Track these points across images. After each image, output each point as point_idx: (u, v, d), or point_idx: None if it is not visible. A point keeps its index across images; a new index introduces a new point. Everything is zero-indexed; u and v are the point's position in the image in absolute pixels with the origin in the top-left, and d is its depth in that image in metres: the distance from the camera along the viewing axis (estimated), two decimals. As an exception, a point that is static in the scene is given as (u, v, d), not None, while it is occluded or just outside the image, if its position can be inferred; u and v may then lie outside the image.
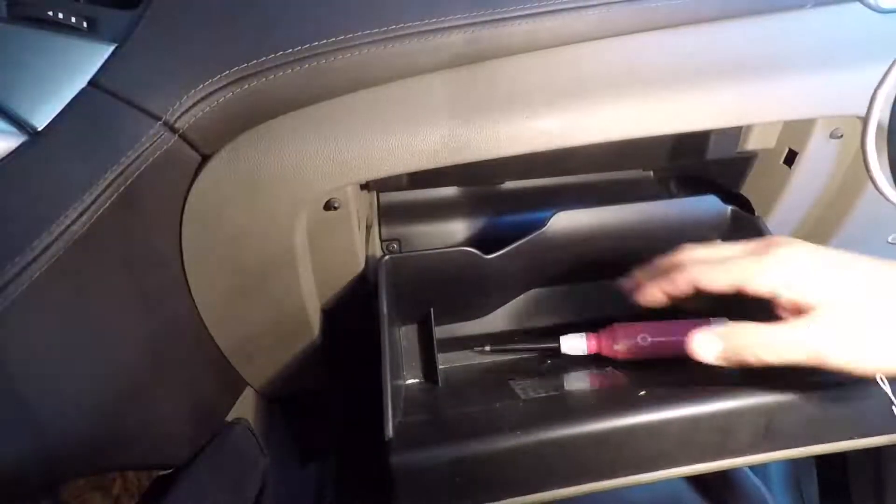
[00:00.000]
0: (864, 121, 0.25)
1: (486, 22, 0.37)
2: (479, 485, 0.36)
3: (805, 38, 0.42)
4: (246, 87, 0.34)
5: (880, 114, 0.21)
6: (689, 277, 0.37)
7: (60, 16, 0.32)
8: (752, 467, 0.71)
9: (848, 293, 0.33)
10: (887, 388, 0.34)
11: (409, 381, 0.50)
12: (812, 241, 0.36)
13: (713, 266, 0.36)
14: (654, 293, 0.39)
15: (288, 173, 0.37)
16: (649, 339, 0.48)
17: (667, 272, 0.38)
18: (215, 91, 0.33)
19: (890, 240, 0.29)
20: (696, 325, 0.49)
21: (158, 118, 0.32)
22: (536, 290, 0.55)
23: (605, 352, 0.49)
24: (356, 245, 0.46)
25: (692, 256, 0.39)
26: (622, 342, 0.48)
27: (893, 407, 0.34)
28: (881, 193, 0.23)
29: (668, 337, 0.48)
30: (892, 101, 0.19)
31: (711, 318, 0.50)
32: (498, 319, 0.54)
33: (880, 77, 0.39)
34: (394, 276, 0.45)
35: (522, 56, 0.39)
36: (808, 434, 0.38)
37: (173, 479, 0.41)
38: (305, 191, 0.38)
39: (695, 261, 0.38)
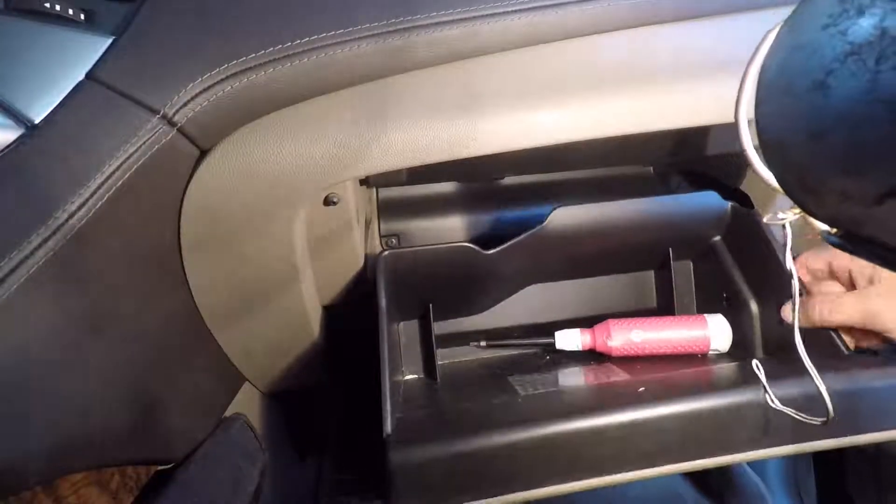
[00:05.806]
0: (738, 95, 0.24)
1: (484, 16, 0.37)
2: (478, 481, 0.36)
3: None
4: (245, 80, 0.34)
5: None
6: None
7: (58, 8, 0.32)
8: (752, 465, 0.71)
9: None
10: (761, 375, 0.37)
11: (408, 377, 0.50)
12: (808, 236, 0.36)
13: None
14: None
15: (287, 168, 0.37)
16: (643, 335, 0.48)
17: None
18: (214, 85, 0.33)
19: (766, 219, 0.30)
20: (688, 322, 0.49)
21: (157, 112, 0.32)
22: (534, 286, 0.55)
23: (600, 347, 0.49)
24: (355, 240, 0.46)
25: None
26: (616, 337, 0.49)
27: (767, 395, 0.37)
28: (756, 172, 0.23)
29: (661, 333, 0.49)
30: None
31: (706, 315, 0.50)
32: (496, 316, 0.54)
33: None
34: (393, 271, 0.45)
35: (521, 51, 0.39)
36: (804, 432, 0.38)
37: (172, 474, 0.41)
38: (304, 186, 0.37)
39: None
